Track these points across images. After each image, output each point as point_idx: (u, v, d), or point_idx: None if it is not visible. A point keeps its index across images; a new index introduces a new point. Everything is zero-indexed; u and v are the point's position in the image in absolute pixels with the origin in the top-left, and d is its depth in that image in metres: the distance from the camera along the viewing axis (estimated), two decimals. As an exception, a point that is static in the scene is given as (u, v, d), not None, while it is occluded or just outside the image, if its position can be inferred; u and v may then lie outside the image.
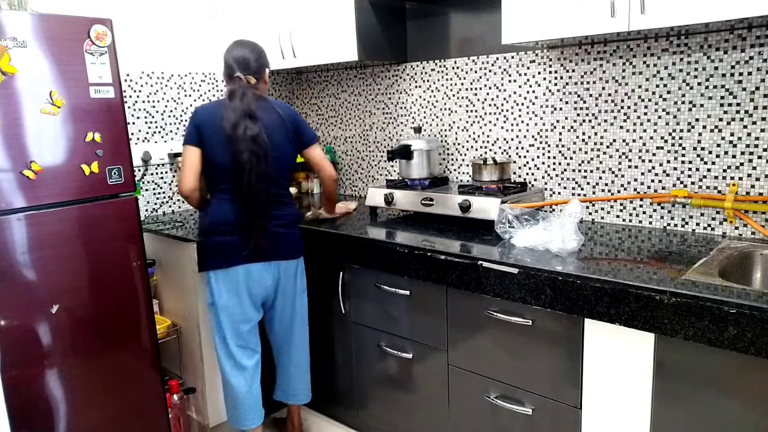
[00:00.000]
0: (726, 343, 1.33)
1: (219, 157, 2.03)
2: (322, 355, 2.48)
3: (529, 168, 2.42)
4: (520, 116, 2.41)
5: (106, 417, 2.13)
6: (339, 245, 2.24)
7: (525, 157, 2.42)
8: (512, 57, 2.38)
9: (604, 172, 2.20)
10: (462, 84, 2.57)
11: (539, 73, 2.31)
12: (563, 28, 1.85)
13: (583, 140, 2.23)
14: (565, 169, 2.31)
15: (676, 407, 1.48)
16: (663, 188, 2.07)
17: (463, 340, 1.94)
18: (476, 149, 2.58)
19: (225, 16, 3.00)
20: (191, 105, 2.95)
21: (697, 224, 2.01)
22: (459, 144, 2.64)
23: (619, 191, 2.17)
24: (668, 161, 2.04)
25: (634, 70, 2.06)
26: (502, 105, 2.45)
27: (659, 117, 2.03)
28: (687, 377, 1.45)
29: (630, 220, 2.16)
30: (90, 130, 2.00)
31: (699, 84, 1.94)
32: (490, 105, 2.50)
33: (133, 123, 2.74)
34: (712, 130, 1.93)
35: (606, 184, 2.20)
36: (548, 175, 2.36)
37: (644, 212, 2.12)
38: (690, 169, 2.00)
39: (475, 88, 2.53)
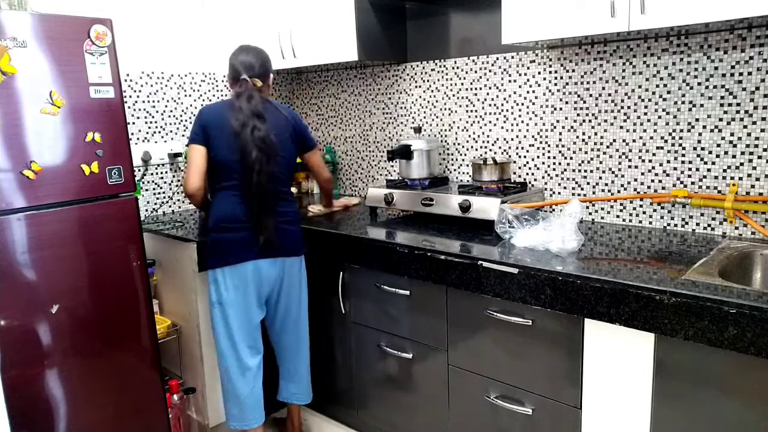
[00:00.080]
0: (726, 343, 1.33)
1: (226, 156, 2.06)
2: (322, 355, 2.48)
3: (529, 168, 2.42)
4: (520, 116, 2.41)
5: (106, 417, 2.13)
6: (339, 245, 2.24)
7: (525, 157, 2.42)
8: (512, 57, 2.38)
9: (604, 172, 2.20)
10: (462, 84, 2.57)
11: (539, 73, 2.31)
12: (563, 28, 1.85)
13: (583, 140, 2.23)
14: (565, 169, 2.31)
15: (676, 407, 1.48)
16: (663, 188, 2.07)
17: (463, 340, 1.94)
18: (476, 149, 2.58)
19: (225, 16, 3.00)
20: (191, 105, 2.95)
21: (697, 224, 2.01)
22: (459, 144, 2.64)
23: (619, 191, 2.17)
24: (668, 161, 2.04)
25: (634, 70, 2.06)
26: (502, 105, 2.45)
27: (659, 117, 2.03)
28: (687, 377, 1.45)
29: (630, 220, 2.16)
30: (90, 130, 2.00)
31: (699, 84, 1.94)
32: (490, 105, 2.50)
33: (133, 123, 2.74)
34: (712, 130, 1.93)
35: (606, 184, 2.20)
36: (548, 175, 2.36)
37: (644, 212, 2.12)
38: (690, 169, 2.00)
39: (475, 88, 2.53)
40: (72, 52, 1.94)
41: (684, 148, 2.00)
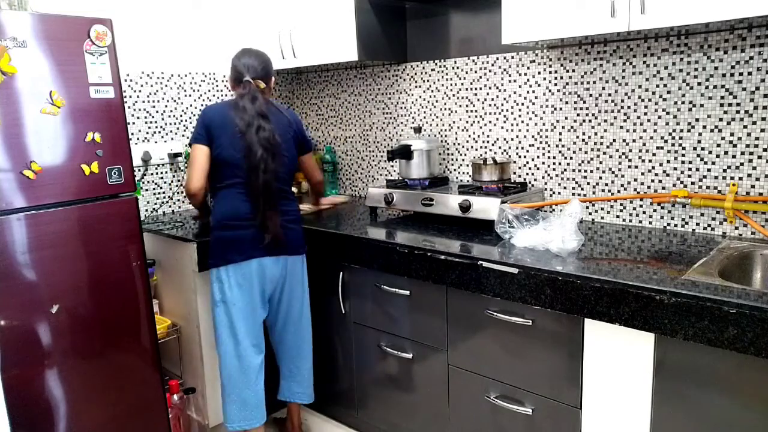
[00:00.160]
0: (726, 343, 1.33)
1: (230, 155, 2.07)
2: (322, 355, 2.48)
3: (529, 168, 2.42)
4: (520, 116, 2.41)
5: (106, 417, 2.12)
6: (339, 245, 2.24)
7: (525, 157, 2.42)
8: (512, 57, 2.38)
9: (604, 172, 2.20)
10: (462, 84, 2.57)
11: (539, 73, 2.31)
12: (563, 28, 1.85)
13: (583, 140, 2.23)
14: (565, 169, 2.31)
15: (676, 407, 1.48)
16: (663, 188, 2.07)
17: (463, 340, 1.94)
18: (476, 149, 2.58)
19: (225, 17, 3.00)
20: (191, 105, 2.95)
21: (697, 224, 2.01)
22: (459, 144, 2.64)
23: (619, 191, 2.17)
24: (668, 161, 2.04)
25: (634, 70, 2.06)
26: (502, 105, 2.45)
27: (659, 117, 2.03)
28: (687, 377, 1.45)
29: (630, 220, 2.16)
30: (90, 130, 2.00)
31: (699, 84, 1.94)
32: (490, 105, 2.50)
33: (133, 123, 2.74)
34: (712, 130, 1.93)
35: (606, 184, 2.20)
36: (548, 175, 2.36)
37: (644, 212, 2.12)
38: (690, 169, 2.00)
39: (475, 88, 2.53)
40: (72, 52, 1.94)
41: (684, 148, 2.00)
